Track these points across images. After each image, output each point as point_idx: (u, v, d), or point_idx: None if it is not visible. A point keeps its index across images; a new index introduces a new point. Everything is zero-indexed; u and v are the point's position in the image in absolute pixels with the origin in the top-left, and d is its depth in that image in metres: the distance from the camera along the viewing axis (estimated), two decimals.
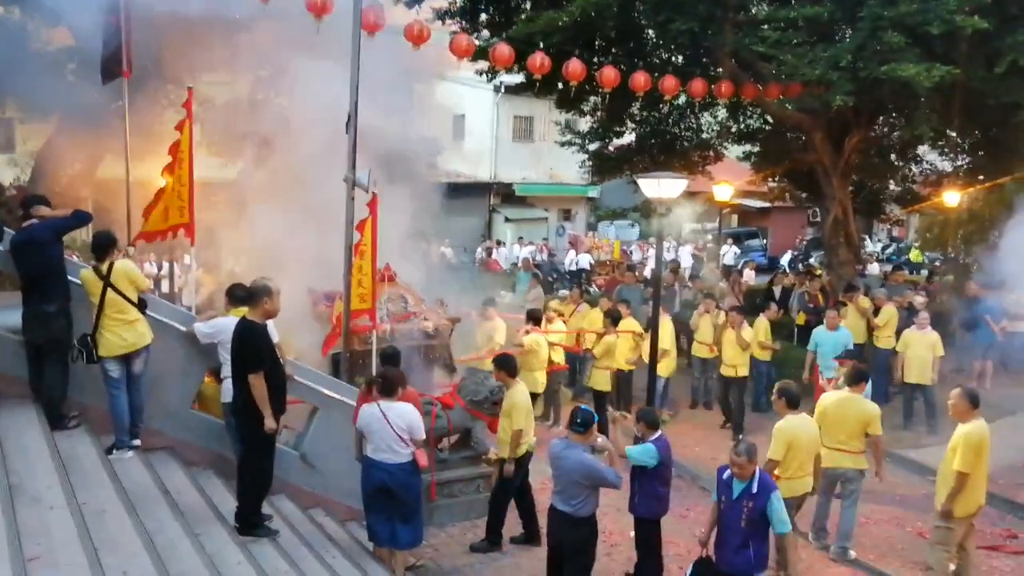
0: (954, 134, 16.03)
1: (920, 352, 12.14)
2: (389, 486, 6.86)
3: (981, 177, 16.98)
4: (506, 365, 8.26)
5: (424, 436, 7.14)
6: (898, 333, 12.88)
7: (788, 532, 6.33)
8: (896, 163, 18.63)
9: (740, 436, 11.85)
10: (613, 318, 12.30)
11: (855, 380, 8.53)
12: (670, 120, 17.77)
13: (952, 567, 7.58)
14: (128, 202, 9.28)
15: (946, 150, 17.62)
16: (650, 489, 7.36)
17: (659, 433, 7.38)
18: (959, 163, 18.08)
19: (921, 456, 11.33)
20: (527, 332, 11.20)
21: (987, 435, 7.39)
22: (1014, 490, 10.22)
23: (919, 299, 13.63)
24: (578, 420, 6.56)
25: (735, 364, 12.50)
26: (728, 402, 12.85)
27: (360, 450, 7.30)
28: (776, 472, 7.58)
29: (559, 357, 12.28)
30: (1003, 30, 11.68)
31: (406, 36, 10.74)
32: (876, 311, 13.35)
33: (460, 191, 29.49)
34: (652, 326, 11.13)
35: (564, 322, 12.93)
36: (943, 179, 18.36)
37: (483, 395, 8.92)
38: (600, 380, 11.94)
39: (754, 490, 6.29)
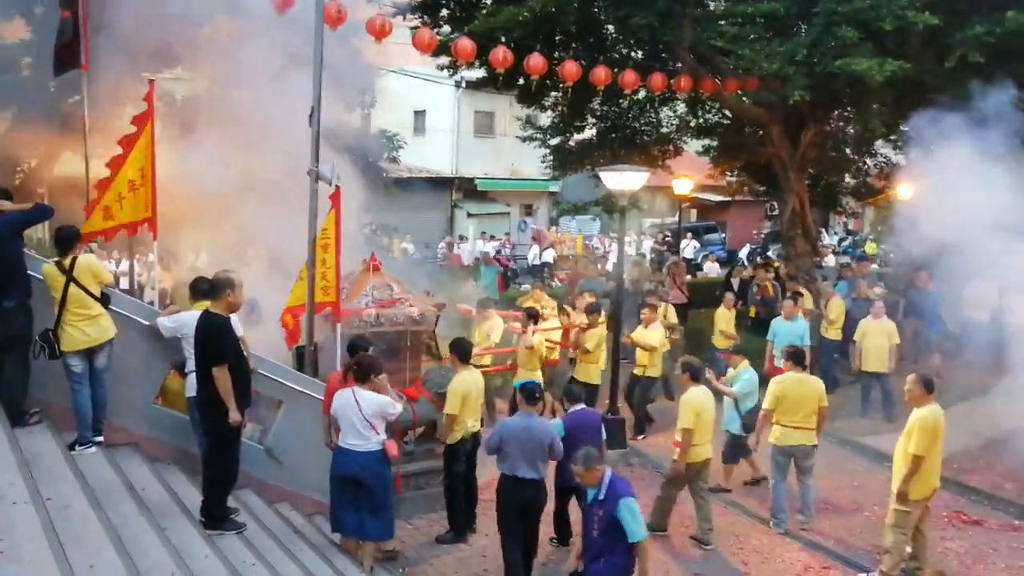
0: (907, 128, 16.31)
1: (877, 341, 12.43)
2: (358, 475, 6.91)
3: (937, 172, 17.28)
4: (459, 350, 8.46)
5: (399, 411, 7.28)
6: (854, 324, 13.17)
7: (643, 540, 5.95)
8: (852, 156, 18.95)
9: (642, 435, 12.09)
10: (597, 311, 11.77)
11: (798, 361, 8.95)
12: (630, 115, 17.89)
13: (909, 549, 7.79)
14: (88, 198, 9.18)
15: (899, 144, 17.94)
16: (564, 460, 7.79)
17: (578, 407, 8.08)
18: (913, 155, 18.39)
19: (878, 443, 11.56)
20: (533, 332, 11.09)
21: (941, 419, 7.67)
22: (967, 474, 10.52)
23: (877, 290, 13.91)
24: (536, 395, 7.55)
25: (644, 363, 12.00)
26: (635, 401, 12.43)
27: (329, 435, 7.36)
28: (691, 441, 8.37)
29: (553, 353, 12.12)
30: (952, 26, 11.95)
31: (368, 30, 10.76)
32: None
33: (421, 186, 29.54)
34: (615, 321, 11.20)
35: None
36: (897, 172, 18.67)
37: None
38: (591, 373, 11.54)
39: (602, 496, 5.97)
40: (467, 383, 8.30)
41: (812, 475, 9.08)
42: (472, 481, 8.66)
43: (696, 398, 8.51)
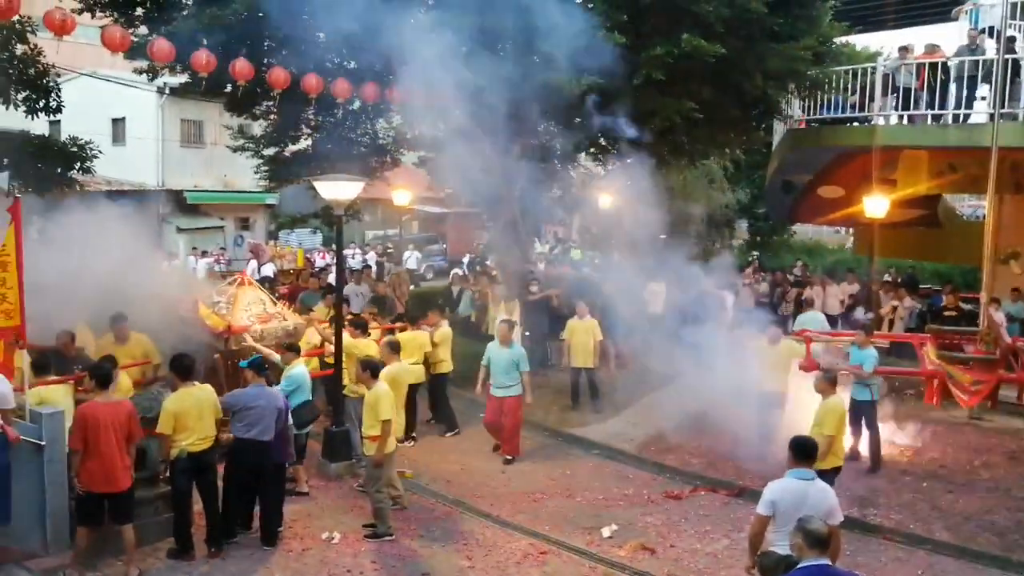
0: (603, 141, 17.58)
1: (582, 338, 13.26)
2: None
3: (629, 182, 18.75)
4: (177, 367, 8.38)
5: (13, 406, 7.27)
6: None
7: None
8: (558, 168, 20.05)
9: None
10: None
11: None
12: (346, 125, 17.82)
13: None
14: None
15: (599, 156, 19.27)
16: None
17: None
18: (610, 167, 19.84)
19: (585, 433, 12.43)
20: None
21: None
22: (662, 455, 11.50)
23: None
24: (264, 367, 8.79)
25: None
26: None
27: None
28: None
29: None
30: (638, 46, 13.07)
31: (47, 25, 9.91)
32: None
33: (123, 200, 27.54)
34: (336, 334, 10.99)
35: None
36: (597, 183, 20.03)
37: (156, 412, 8.53)
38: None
39: None
40: (182, 401, 8.06)
41: None
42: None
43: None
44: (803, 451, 6.30)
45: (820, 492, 6.13)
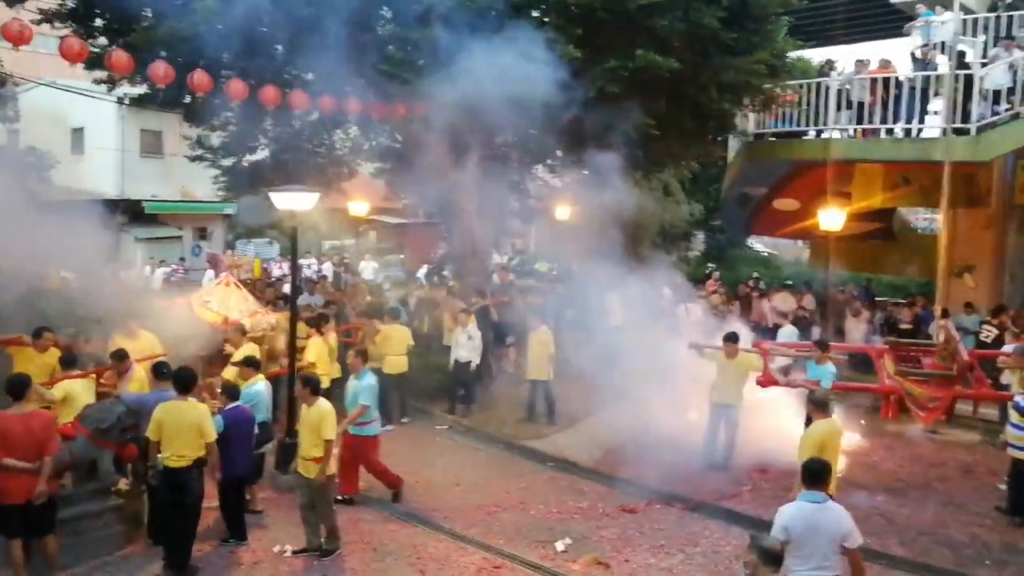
0: (560, 154, 17.71)
1: (536, 350, 13.31)
2: None
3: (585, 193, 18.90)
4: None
5: None
6: None
7: None
8: (515, 179, 20.13)
9: None
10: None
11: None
12: (304, 136, 17.76)
13: None
14: None
15: (556, 168, 19.38)
16: (225, 453, 8.35)
17: (235, 404, 8.81)
18: (567, 180, 19.97)
19: (542, 445, 12.43)
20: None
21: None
22: (617, 468, 11.53)
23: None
24: (164, 371, 8.64)
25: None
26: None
27: None
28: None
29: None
30: (592, 60, 13.19)
31: (4, 35, 9.84)
32: None
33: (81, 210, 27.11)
34: (290, 342, 11.02)
35: None
36: (555, 195, 20.13)
37: (109, 423, 8.46)
38: None
39: None
40: (167, 412, 7.95)
41: None
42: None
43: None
44: (811, 474, 6.30)
45: (833, 514, 6.14)
